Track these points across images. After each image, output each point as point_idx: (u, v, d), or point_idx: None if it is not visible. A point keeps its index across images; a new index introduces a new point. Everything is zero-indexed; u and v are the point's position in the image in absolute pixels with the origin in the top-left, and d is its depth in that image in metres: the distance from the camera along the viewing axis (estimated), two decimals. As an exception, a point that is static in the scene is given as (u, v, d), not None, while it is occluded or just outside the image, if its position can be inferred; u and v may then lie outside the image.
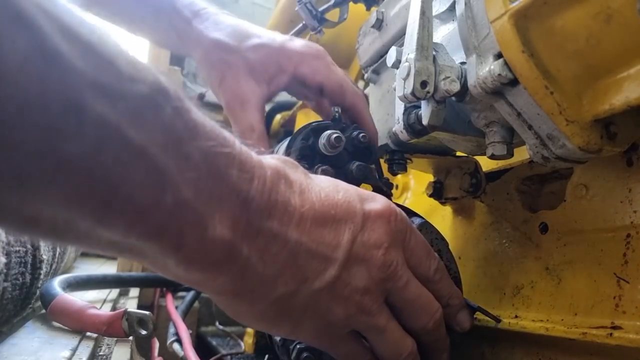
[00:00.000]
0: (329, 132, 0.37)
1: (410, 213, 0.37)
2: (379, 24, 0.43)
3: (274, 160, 0.28)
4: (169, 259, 0.22)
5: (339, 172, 0.38)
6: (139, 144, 0.19)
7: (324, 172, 0.37)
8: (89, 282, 0.56)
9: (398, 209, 0.31)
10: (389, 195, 0.40)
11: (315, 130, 0.38)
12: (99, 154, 0.18)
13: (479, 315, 0.40)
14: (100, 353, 0.38)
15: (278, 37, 0.45)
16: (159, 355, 0.48)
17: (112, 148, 0.18)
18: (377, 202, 0.31)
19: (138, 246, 0.21)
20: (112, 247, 0.21)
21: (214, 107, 0.73)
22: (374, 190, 0.39)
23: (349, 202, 0.29)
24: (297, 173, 0.28)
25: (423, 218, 0.37)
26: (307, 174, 0.29)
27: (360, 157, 0.39)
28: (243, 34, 0.44)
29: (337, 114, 0.40)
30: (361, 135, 0.38)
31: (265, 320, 0.28)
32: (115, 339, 0.41)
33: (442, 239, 0.37)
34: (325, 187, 0.29)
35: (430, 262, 0.32)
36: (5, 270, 0.36)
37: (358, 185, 0.38)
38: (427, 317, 0.31)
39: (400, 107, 0.35)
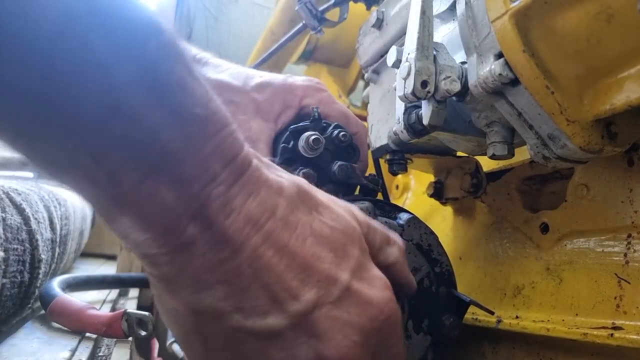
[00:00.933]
0: (307, 134, 0.36)
1: (397, 209, 0.37)
2: (379, 24, 0.43)
3: (291, 180, 0.25)
4: (101, 192, 0.21)
5: (322, 173, 0.37)
6: (101, 57, 0.19)
7: (305, 175, 0.35)
8: (88, 283, 0.56)
9: (397, 312, 0.26)
10: (375, 192, 0.39)
11: (294, 133, 0.38)
12: (51, 44, 0.18)
13: (479, 315, 0.40)
14: (100, 354, 0.38)
15: (278, 76, 0.45)
16: (159, 355, 0.48)
17: (70, 45, 0.18)
18: (373, 287, 0.26)
19: (74, 164, 0.20)
20: (50, 163, 0.21)
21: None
22: (360, 190, 0.39)
23: (337, 267, 0.25)
24: (300, 198, 0.25)
25: (411, 213, 0.36)
26: (316, 207, 0.26)
27: (343, 156, 0.38)
28: (244, 74, 0.44)
29: (316, 114, 0.39)
30: (341, 134, 0.37)
31: (176, 326, 0.25)
32: (115, 339, 0.41)
33: (432, 233, 0.36)
34: (324, 234, 0.25)
35: None
36: (3, 267, 0.36)
37: (342, 186, 0.37)
38: None
39: (400, 107, 0.35)
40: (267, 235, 0.23)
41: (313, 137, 0.35)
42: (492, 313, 0.37)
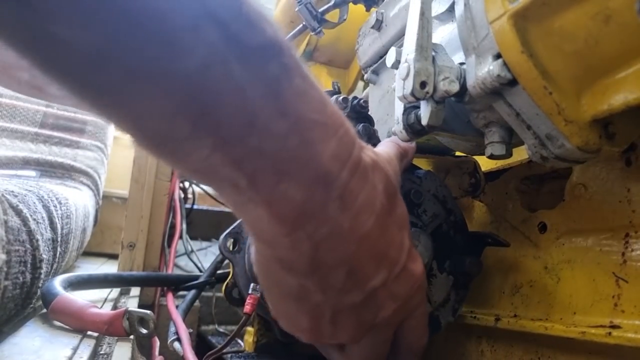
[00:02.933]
0: (334, 96, 0.40)
1: (414, 167, 0.40)
2: (378, 25, 0.43)
3: (375, 160, 0.28)
4: (241, 193, 0.24)
5: None
6: (239, 82, 0.21)
7: (365, 128, 0.39)
8: (90, 282, 0.56)
9: (425, 279, 0.33)
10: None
11: None
12: (203, 75, 0.20)
13: (478, 314, 0.40)
14: (101, 352, 0.38)
15: None
16: (160, 354, 0.48)
17: (216, 74, 0.20)
18: (417, 264, 0.32)
19: (216, 172, 0.23)
20: (194, 172, 0.23)
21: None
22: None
23: (401, 249, 0.30)
24: (387, 187, 0.29)
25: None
26: (392, 195, 0.30)
27: (363, 122, 0.41)
28: None
29: (336, 87, 0.43)
30: (362, 101, 0.41)
31: (278, 293, 0.30)
32: (116, 338, 0.41)
33: (446, 186, 0.40)
34: (398, 220, 0.30)
35: (422, 338, 0.34)
36: (5, 269, 0.36)
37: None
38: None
39: (399, 108, 0.35)
40: (368, 231, 0.27)
41: (341, 97, 0.39)
42: (508, 245, 0.40)
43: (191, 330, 0.56)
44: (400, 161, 0.34)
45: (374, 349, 0.33)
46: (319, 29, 0.48)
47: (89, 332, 0.40)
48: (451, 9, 0.33)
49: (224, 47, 0.20)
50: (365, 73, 0.48)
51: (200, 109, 0.21)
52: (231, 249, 0.46)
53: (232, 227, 0.47)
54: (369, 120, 0.42)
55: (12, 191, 0.44)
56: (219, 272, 0.71)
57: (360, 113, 0.41)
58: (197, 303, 0.79)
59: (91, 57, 0.18)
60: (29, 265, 0.42)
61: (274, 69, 0.22)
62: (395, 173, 0.32)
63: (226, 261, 0.48)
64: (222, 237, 0.46)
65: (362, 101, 0.41)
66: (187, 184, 1.06)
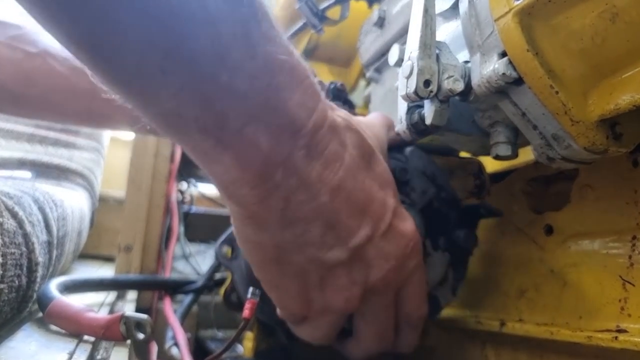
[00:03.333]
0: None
1: (402, 145, 0.39)
2: (380, 22, 0.43)
3: (347, 120, 0.29)
4: (209, 136, 0.23)
5: None
6: (213, 16, 0.21)
7: (334, 90, 0.39)
8: (86, 285, 0.55)
9: (420, 241, 0.32)
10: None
11: None
12: (176, 4, 0.20)
13: (482, 318, 0.39)
14: (98, 357, 0.38)
15: None
16: (158, 359, 0.47)
17: (192, 5, 0.21)
18: (407, 223, 0.31)
19: (184, 114, 0.23)
20: (163, 116, 0.23)
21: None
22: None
23: (385, 205, 0.30)
24: (361, 145, 0.29)
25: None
26: (369, 154, 0.30)
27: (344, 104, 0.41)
28: None
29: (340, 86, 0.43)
30: (339, 84, 0.41)
31: (257, 257, 0.29)
32: (113, 342, 0.40)
33: (434, 162, 0.38)
34: (378, 178, 0.30)
35: (421, 308, 0.34)
36: (1, 272, 0.36)
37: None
38: (381, 340, 0.34)
39: (402, 107, 0.35)
40: (339, 182, 0.27)
41: (317, 79, 0.40)
42: (501, 214, 0.39)
43: (189, 335, 0.55)
44: (386, 130, 0.34)
45: (378, 317, 0.32)
46: (320, 27, 0.47)
47: (86, 337, 0.40)
48: (455, 6, 0.33)
49: None
50: (367, 71, 0.48)
51: (173, 39, 0.21)
52: (228, 255, 0.46)
53: (226, 234, 0.47)
54: (349, 104, 0.41)
55: (8, 193, 0.43)
56: (217, 275, 0.71)
57: (339, 97, 0.40)
58: (195, 307, 0.78)
59: None
60: (24, 269, 0.41)
61: (245, 10, 0.22)
62: (375, 136, 0.32)
63: (227, 233, 0.47)
64: (217, 244, 0.46)
65: (339, 84, 0.40)
66: (185, 186, 1.06)
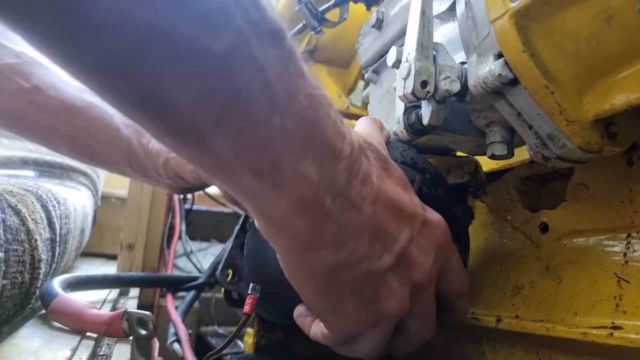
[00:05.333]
0: None
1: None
2: (379, 24, 0.43)
3: (359, 136, 0.30)
4: (264, 179, 0.24)
5: None
6: (261, 63, 0.22)
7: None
8: (88, 282, 0.56)
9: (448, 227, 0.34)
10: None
11: None
12: (232, 56, 0.21)
13: (479, 315, 0.40)
14: (101, 353, 0.38)
15: None
16: (160, 355, 0.48)
17: (243, 55, 0.21)
18: (434, 213, 0.33)
19: (240, 161, 0.23)
20: (216, 163, 0.24)
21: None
22: None
23: (414, 204, 0.31)
24: (378, 155, 0.30)
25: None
26: (385, 161, 0.31)
27: None
28: None
29: None
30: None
31: (313, 286, 0.30)
32: (116, 339, 0.41)
33: (409, 148, 0.38)
34: (399, 182, 0.31)
35: (463, 282, 0.35)
36: (3, 268, 0.36)
37: None
38: (428, 330, 0.35)
39: (400, 107, 0.35)
40: (376, 194, 0.28)
41: None
42: (487, 183, 0.40)
43: (190, 331, 0.56)
44: (381, 132, 0.35)
45: (427, 310, 0.33)
46: (319, 28, 0.47)
47: (88, 333, 0.40)
48: (452, 7, 0.33)
49: (247, 30, 0.21)
50: (366, 72, 0.48)
51: (229, 91, 0.21)
52: (230, 279, 0.46)
53: (223, 259, 0.47)
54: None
55: (11, 191, 0.44)
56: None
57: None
58: (196, 304, 0.78)
59: (139, 38, 0.19)
60: (27, 265, 0.42)
61: (282, 51, 0.23)
62: (380, 144, 0.33)
63: (224, 257, 0.48)
64: (218, 271, 0.46)
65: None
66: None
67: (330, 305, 0.31)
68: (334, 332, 0.33)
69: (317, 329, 0.35)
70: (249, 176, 0.24)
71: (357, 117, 0.59)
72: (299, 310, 0.37)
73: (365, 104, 0.54)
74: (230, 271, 0.46)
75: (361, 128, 0.35)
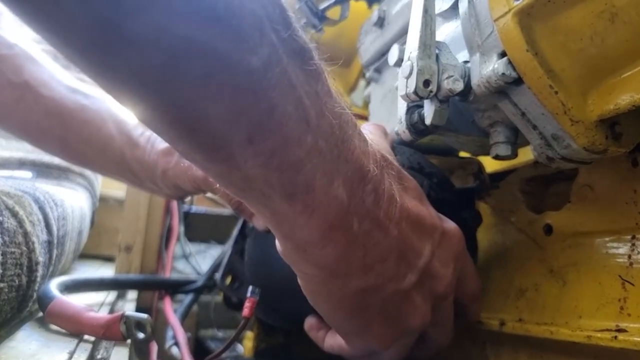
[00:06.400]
0: None
1: None
2: (380, 22, 0.43)
3: (378, 150, 0.29)
4: (295, 202, 0.23)
5: None
6: (293, 81, 0.22)
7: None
8: (86, 285, 0.55)
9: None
10: None
11: None
12: (267, 72, 0.20)
13: (482, 318, 0.39)
14: (99, 356, 0.38)
15: None
16: (158, 358, 0.47)
17: (277, 72, 0.21)
18: (450, 223, 0.32)
19: (271, 181, 0.22)
20: (246, 182, 0.23)
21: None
22: None
23: (432, 216, 0.31)
24: (394, 169, 0.30)
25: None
26: (400, 175, 0.30)
27: None
28: None
29: None
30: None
31: (341, 311, 0.29)
32: (114, 342, 0.40)
33: (416, 152, 0.38)
34: (415, 194, 0.31)
35: (476, 285, 0.35)
36: (0, 270, 0.36)
37: None
38: (447, 336, 0.35)
39: (402, 107, 0.35)
40: (400, 213, 0.28)
41: None
42: (496, 187, 0.40)
43: (189, 335, 0.55)
44: (386, 139, 0.35)
45: (446, 319, 0.33)
46: (320, 27, 0.47)
47: (86, 336, 0.40)
48: (455, 6, 0.33)
49: (280, 47, 0.21)
50: (367, 71, 0.48)
51: (262, 110, 0.21)
52: (231, 284, 0.46)
53: (223, 265, 0.46)
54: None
55: (8, 192, 0.43)
56: (217, 275, 0.71)
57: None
58: (195, 307, 0.78)
59: (174, 52, 0.18)
60: (25, 268, 0.41)
61: (310, 70, 0.23)
62: (388, 152, 0.32)
63: (224, 263, 0.47)
64: (219, 277, 0.46)
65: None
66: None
67: (357, 327, 0.30)
68: (356, 349, 0.32)
69: (332, 342, 0.34)
70: (279, 198, 0.23)
71: (358, 116, 0.58)
72: (310, 323, 0.37)
73: (366, 103, 0.54)
74: (231, 277, 0.46)
75: (367, 135, 0.34)
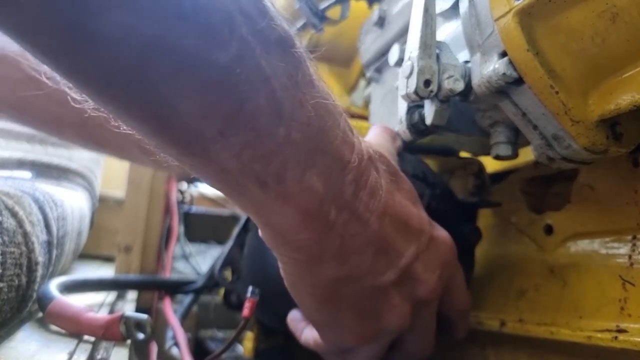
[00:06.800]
0: None
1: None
2: (381, 22, 0.43)
3: (370, 145, 0.29)
4: (268, 190, 0.24)
5: None
6: (267, 73, 0.22)
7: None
8: (86, 285, 0.55)
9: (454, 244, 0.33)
10: None
11: None
12: (237, 67, 0.20)
13: (483, 319, 0.39)
14: (98, 357, 0.38)
15: None
16: (158, 359, 0.47)
17: (248, 66, 0.21)
18: (442, 230, 0.32)
19: (244, 172, 0.23)
20: (220, 173, 0.23)
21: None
22: None
23: (422, 220, 0.31)
24: (388, 167, 0.29)
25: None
26: (395, 174, 0.30)
27: None
28: None
29: None
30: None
31: (314, 298, 0.29)
32: (113, 342, 0.40)
33: (420, 161, 0.38)
34: (408, 195, 0.30)
35: (465, 301, 0.35)
36: (0, 271, 0.36)
37: None
38: (426, 347, 0.34)
39: (402, 107, 0.35)
40: (384, 208, 0.28)
41: None
42: (499, 204, 0.40)
43: (189, 335, 0.55)
44: (393, 143, 0.34)
45: (426, 327, 0.33)
46: (320, 27, 0.47)
47: (86, 337, 0.40)
48: (455, 5, 0.33)
49: (253, 40, 0.21)
50: (368, 71, 0.48)
51: (232, 104, 0.21)
52: (231, 278, 0.46)
53: (223, 256, 0.46)
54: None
55: (8, 192, 0.43)
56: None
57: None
58: (195, 307, 0.78)
59: (143, 51, 0.18)
60: (24, 268, 0.41)
61: (290, 59, 0.23)
62: (391, 155, 0.32)
63: (224, 255, 0.47)
64: (217, 270, 0.46)
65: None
66: (185, 185, 1.05)
67: (329, 317, 0.30)
68: (329, 343, 0.32)
69: (308, 336, 0.34)
70: (254, 187, 0.24)
71: (358, 116, 0.58)
72: (292, 314, 0.37)
73: (366, 103, 0.54)
74: (229, 269, 0.46)
75: (372, 137, 0.34)
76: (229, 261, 0.46)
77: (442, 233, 0.32)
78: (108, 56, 0.18)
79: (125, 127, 0.22)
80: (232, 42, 0.20)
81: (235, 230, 0.47)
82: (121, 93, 0.20)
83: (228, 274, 0.47)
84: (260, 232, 0.28)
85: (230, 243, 0.47)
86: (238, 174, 0.23)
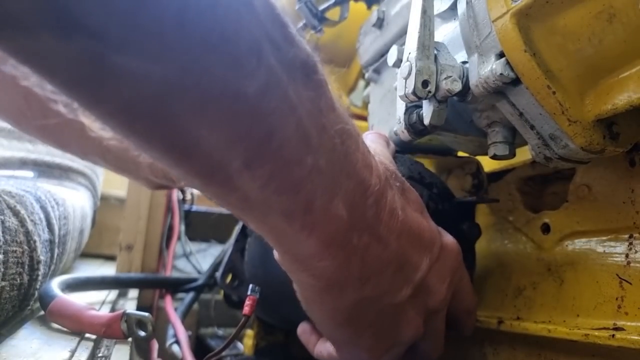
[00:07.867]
0: None
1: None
2: (380, 23, 0.43)
3: (381, 162, 0.28)
4: (294, 221, 0.23)
5: None
6: (294, 101, 0.21)
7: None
8: (87, 284, 0.55)
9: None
10: None
11: None
12: (265, 97, 0.20)
13: (481, 317, 0.40)
14: (100, 355, 0.38)
15: None
16: (159, 357, 0.48)
17: (276, 95, 0.20)
18: (448, 236, 0.32)
19: (270, 202, 0.22)
20: (243, 202, 0.22)
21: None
22: None
23: (432, 230, 0.30)
24: (397, 180, 0.29)
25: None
26: (403, 186, 0.30)
27: None
28: None
29: None
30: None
31: (334, 320, 0.29)
32: (115, 340, 0.41)
33: (416, 162, 0.38)
34: (416, 206, 0.30)
35: (472, 301, 0.35)
36: (2, 269, 0.36)
37: None
38: (437, 349, 0.35)
39: (401, 107, 0.35)
40: (401, 226, 0.27)
41: None
42: (497, 201, 0.40)
43: (190, 333, 0.56)
44: (388, 148, 0.35)
45: (438, 333, 0.33)
46: (319, 28, 0.47)
47: (87, 335, 0.40)
48: (453, 7, 0.33)
49: (279, 68, 0.20)
50: (366, 72, 0.48)
51: (260, 135, 0.20)
52: (231, 283, 0.46)
53: (223, 263, 0.47)
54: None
55: (10, 192, 0.44)
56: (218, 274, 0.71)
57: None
58: (195, 305, 0.78)
59: (168, 83, 0.17)
60: (26, 267, 0.42)
61: (313, 85, 0.22)
62: (392, 163, 0.32)
63: (225, 262, 0.47)
64: (219, 276, 0.46)
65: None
66: (186, 185, 1.05)
67: (351, 338, 0.30)
68: (345, 359, 0.32)
69: (322, 349, 0.34)
70: (278, 217, 0.23)
71: (357, 117, 0.58)
72: (303, 327, 0.37)
73: (365, 103, 0.54)
74: (231, 275, 0.46)
75: (370, 146, 0.34)
76: (230, 268, 0.46)
77: (449, 239, 0.32)
78: (130, 89, 0.17)
79: (145, 157, 0.22)
80: (260, 71, 0.19)
81: (234, 236, 0.48)
82: (143, 125, 0.19)
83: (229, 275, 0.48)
84: (276, 256, 0.27)
85: (229, 249, 0.47)
86: (262, 205, 0.22)
